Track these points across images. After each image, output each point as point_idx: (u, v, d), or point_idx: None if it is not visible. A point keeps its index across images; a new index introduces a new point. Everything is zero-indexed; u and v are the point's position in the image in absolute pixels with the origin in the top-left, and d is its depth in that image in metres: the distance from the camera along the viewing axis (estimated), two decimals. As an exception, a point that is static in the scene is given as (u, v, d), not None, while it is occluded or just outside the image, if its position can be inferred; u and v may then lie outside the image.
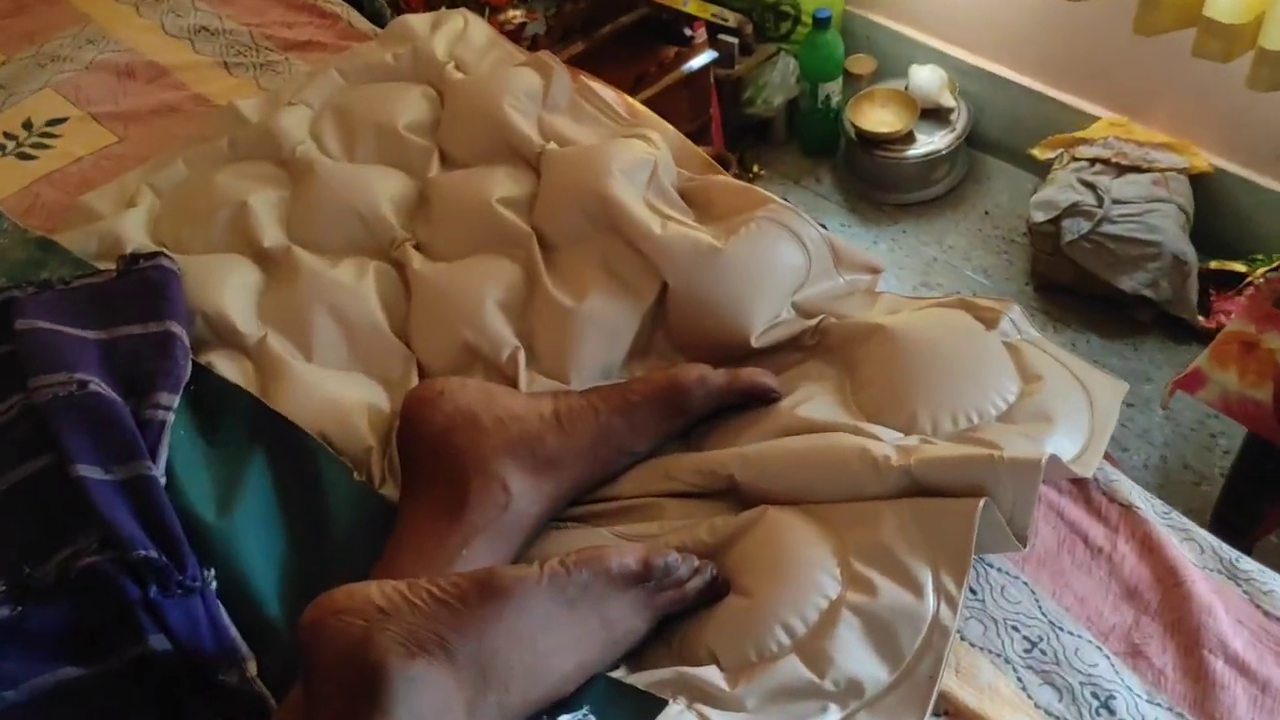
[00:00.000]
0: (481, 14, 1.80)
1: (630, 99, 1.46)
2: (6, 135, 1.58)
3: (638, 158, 1.24)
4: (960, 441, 0.99)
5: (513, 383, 1.13)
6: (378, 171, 1.36)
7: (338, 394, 1.14)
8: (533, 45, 2.13)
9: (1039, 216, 2.12)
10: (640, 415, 1.05)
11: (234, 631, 0.98)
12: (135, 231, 1.34)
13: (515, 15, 2.10)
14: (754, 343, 1.12)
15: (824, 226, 1.55)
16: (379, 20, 1.76)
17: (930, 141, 2.38)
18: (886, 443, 0.97)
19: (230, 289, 1.23)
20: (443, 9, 1.61)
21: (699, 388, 1.06)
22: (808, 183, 2.55)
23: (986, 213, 2.41)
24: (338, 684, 0.82)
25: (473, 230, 1.26)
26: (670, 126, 1.40)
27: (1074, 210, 2.08)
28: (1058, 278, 2.19)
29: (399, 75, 1.51)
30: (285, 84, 1.57)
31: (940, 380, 1.03)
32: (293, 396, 1.13)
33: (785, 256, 1.14)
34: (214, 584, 1.00)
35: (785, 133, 2.63)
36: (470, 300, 1.18)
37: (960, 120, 2.39)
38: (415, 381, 1.17)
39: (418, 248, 1.27)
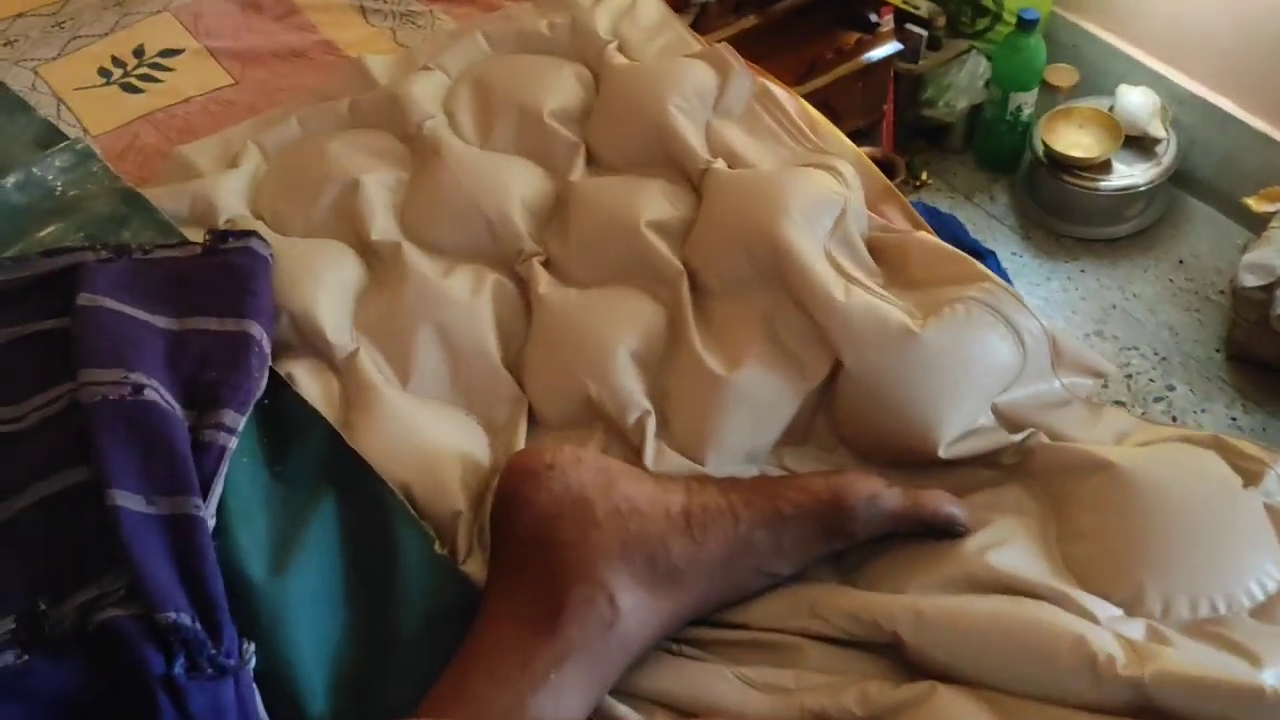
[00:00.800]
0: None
1: (812, 110, 1.23)
2: (115, 61, 1.42)
3: (824, 197, 1.01)
4: (1198, 635, 0.77)
5: (636, 453, 0.94)
6: (513, 164, 1.16)
7: (430, 437, 0.95)
8: (701, 14, 1.92)
9: (1249, 280, 1.84)
10: (790, 532, 0.85)
11: (267, 729, 0.81)
12: (233, 198, 1.16)
13: (688, -21, 1.88)
14: (941, 453, 0.90)
15: (992, 254, 1.32)
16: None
17: (1129, 173, 2.10)
18: (1105, 629, 0.76)
19: (326, 287, 1.05)
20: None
21: (867, 508, 0.85)
22: (980, 200, 2.29)
23: (1181, 262, 2.13)
24: None
25: (613, 254, 1.06)
26: (854, 146, 1.18)
27: (1293, 280, 1.80)
28: (1258, 350, 1.91)
29: (553, 48, 1.30)
30: (423, 42, 1.37)
31: (1181, 548, 0.81)
32: (378, 432, 0.95)
33: (996, 353, 0.92)
34: (253, 661, 0.83)
35: (963, 141, 2.37)
36: (600, 344, 0.98)
37: (1167, 153, 2.11)
38: (523, 430, 0.98)
39: (546, 264, 1.08)
